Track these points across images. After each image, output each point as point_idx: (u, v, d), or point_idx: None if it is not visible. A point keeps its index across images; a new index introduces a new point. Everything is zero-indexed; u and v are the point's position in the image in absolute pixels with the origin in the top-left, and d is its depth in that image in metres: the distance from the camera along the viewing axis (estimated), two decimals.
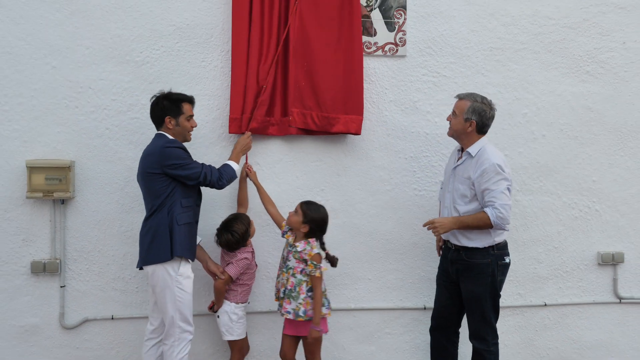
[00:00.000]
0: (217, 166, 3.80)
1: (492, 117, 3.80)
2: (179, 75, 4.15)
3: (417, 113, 4.43)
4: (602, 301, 4.65)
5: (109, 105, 4.07)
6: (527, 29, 4.52)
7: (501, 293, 3.87)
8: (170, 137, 3.69)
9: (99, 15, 4.07)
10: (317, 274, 3.70)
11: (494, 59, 4.50)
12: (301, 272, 3.71)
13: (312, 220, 3.76)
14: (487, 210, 3.63)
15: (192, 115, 3.79)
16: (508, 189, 3.66)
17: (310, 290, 3.69)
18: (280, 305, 3.78)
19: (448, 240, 3.90)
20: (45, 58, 4.02)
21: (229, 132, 4.14)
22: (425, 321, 4.38)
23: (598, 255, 4.61)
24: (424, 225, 3.85)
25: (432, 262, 4.39)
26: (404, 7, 4.35)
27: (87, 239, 4.11)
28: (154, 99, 3.74)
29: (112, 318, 4.07)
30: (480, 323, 3.82)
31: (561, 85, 4.56)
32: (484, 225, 3.64)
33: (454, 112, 3.84)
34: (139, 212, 3.98)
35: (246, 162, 4.07)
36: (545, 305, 4.58)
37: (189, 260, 3.67)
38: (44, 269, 4.02)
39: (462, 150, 3.89)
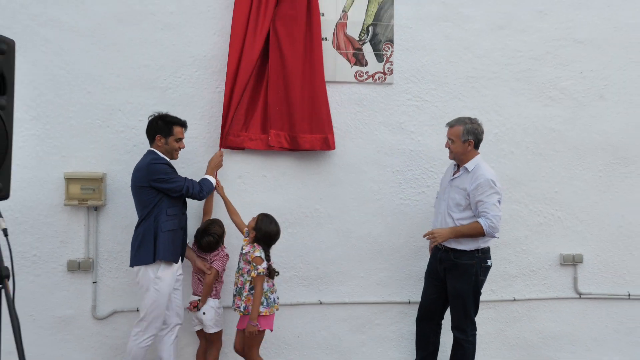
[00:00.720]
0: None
1: (483, 131, 3.91)
2: (197, 99, 4.21)
3: (402, 133, 4.49)
4: (564, 296, 4.71)
5: (136, 126, 4.12)
6: (498, 60, 4.59)
7: None
8: (160, 153, 3.73)
9: (128, 48, 4.14)
10: (253, 274, 3.68)
11: (469, 86, 4.56)
12: (248, 272, 3.72)
13: (259, 229, 3.75)
14: (480, 220, 3.71)
15: (181, 138, 3.81)
16: (499, 201, 3.75)
17: (252, 288, 3.70)
18: (234, 302, 3.81)
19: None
20: (82, 84, 4.08)
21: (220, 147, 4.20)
22: (410, 314, 4.48)
23: (560, 256, 4.68)
24: (424, 236, 3.94)
25: (416, 262, 4.49)
26: (392, 42, 4.44)
27: (117, 240, 4.16)
28: (151, 117, 3.80)
29: (137, 310, 4.05)
30: (461, 316, 3.91)
31: (527, 109, 4.62)
32: (478, 233, 3.73)
33: (450, 140, 3.88)
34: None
35: (215, 177, 4.04)
36: (515, 300, 4.66)
37: (173, 262, 3.70)
38: (79, 267, 4.09)
39: (458, 165, 3.95)
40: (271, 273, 3.79)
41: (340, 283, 4.49)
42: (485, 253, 3.89)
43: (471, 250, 3.83)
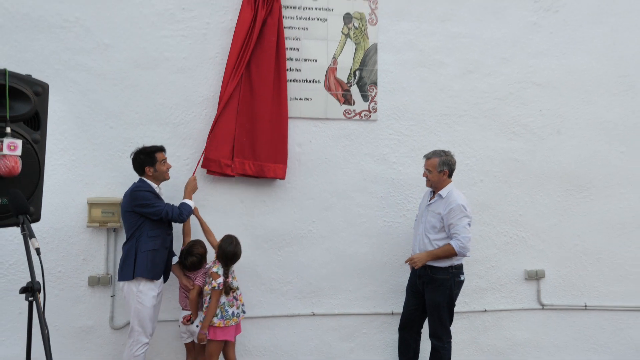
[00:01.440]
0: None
1: (455, 162, 4.03)
2: (205, 134, 4.19)
3: (386, 163, 4.55)
4: (529, 307, 4.74)
5: None
6: (468, 100, 4.69)
7: None
8: (148, 181, 3.75)
9: (146, 88, 4.19)
10: (207, 287, 3.73)
11: (444, 122, 4.65)
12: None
13: (220, 248, 3.78)
14: (451, 242, 3.81)
15: (165, 160, 3.82)
16: (469, 224, 3.85)
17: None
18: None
19: None
20: (105, 120, 4.12)
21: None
22: (393, 323, 4.48)
23: (525, 271, 4.72)
24: (406, 262, 4.03)
25: (398, 277, 4.51)
26: (376, 84, 4.52)
27: None
28: (132, 155, 3.79)
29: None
30: (438, 325, 3.95)
31: (494, 142, 4.71)
32: (450, 254, 3.83)
33: (428, 170, 3.97)
34: (175, 238, 4.01)
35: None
36: (486, 311, 4.69)
37: (153, 279, 3.67)
38: (98, 282, 4.08)
39: (434, 192, 4.04)
40: (227, 289, 3.75)
41: (331, 296, 4.50)
42: (458, 269, 3.95)
43: (446, 267, 3.90)
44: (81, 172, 4.11)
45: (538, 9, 4.85)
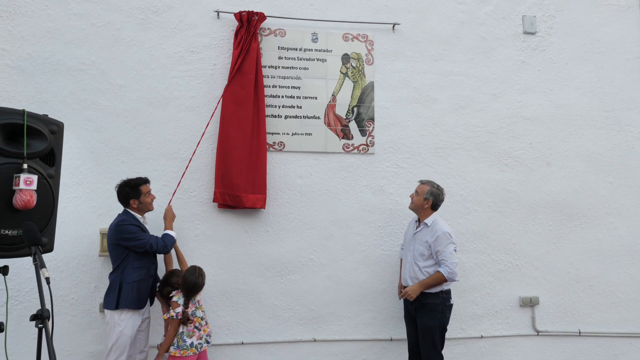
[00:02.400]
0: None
1: (443, 200, 4.08)
2: (211, 168, 4.29)
3: (383, 194, 4.59)
4: (524, 334, 4.71)
5: (161, 189, 4.18)
6: (461, 134, 4.76)
7: (448, 328, 3.99)
8: (133, 212, 3.74)
9: (156, 125, 4.29)
10: (165, 316, 3.70)
11: (438, 155, 4.71)
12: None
13: (183, 277, 3.71)
14: (440, 269, 3.83)
15: (149, 191, 3.81)
16: (455, 250, 3.90)
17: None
18: None
19: (407, 286, 3.98)
20: (117, 155, 4.21)
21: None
22: (392, 350, 4.49)
23: (519, 298, 4.71)
24: (401, 297, 4.02)
25: (397, 304, 4.51)
26: (373, 119, 4.61)
27: None
28: (117, 187, 3.78)
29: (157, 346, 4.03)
30: (431, 349, 3.91)
31: (487, 174, 4.75)
32: (441, 281, 3.85)
33: (416, 192, 4.07)
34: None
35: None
36: (482, 337, 4.65)
37: (137, 309, 3.66)
38: None
39: (419, 221, 4.09)
40: (185, 319, 3.67)
41: (331, 322, 4.50)
42: (447, 294, 3.98)
43: (437, 292, 3.92)
44: (94, 204, 4.18)
45: (526, 48, 4.96)
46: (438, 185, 4.08)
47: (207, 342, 3.80)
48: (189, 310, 3.69)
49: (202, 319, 3.77)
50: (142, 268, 3.73)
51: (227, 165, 4.24)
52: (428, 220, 4.01)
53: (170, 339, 3.66)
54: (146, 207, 3.83)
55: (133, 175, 4.12)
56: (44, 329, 2.18)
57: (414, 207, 4.11)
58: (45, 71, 4.18)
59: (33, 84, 4.16)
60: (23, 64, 4.15)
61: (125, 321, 3.64)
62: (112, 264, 3.78)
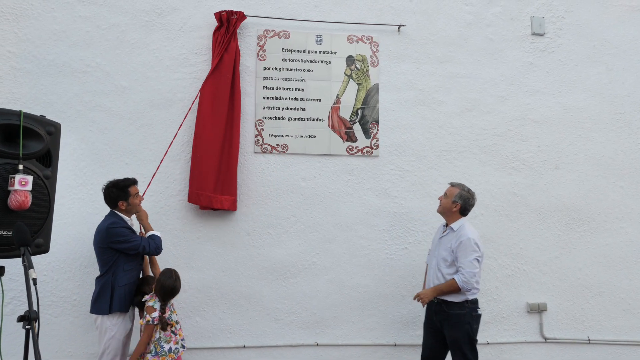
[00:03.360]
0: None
1: (473, 205, 3.87)
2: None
3: (387, 197, 4.53)
4: (532, 340, 4.60)
5: (164, 191, 4.20)
6: (467, 136, 4.68)
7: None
8: (121, 214, 3.65)
9: (159, 127, 4.26)
10: (141, 321, 3.58)
11: (444, 158, 4.63)
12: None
13: (158, 281, 3.59)
14: (455, 276, 3.65)
15: (137, 193, 3.74)
16: (477, 259, 3.66)
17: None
18: None
19: None
20: (121, 157, 4.20)
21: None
22: (396, 355, 4.41)
23: (527, 304, 4.61)
24: (414, 298, 3.85)
25: (400, 309, 4.44)
26: (377, 122, 4.56)
27: None
28: (104, 188, 3.70)
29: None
30: None
31: (493, 177, 4.66)
32: (454, 289, 3.65)
33: (445, 194, 3.87)
34: (185, 269, 4.11)
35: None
36: (488, 343, 4.53)
37: (126, 312, 3.62)
38: None
39: (446, 225, 3.92)
40: (163, 324, 3.54)
41: (334, 327, 4.43)
42: (474, 303, 3.76)
43: (461, 302, 3.71)
44: (97, 205, 4.11)
45: (534, 50, 4.87)
46: (469, 189, 3.89)
47: (183, 346, 3.68)
48: (166, 315, 3.58)
49: (177, 322, 3.66)
50: (133, 270, 3.70)
51: (199, 165, 4.17)
52: (455, 225, 3.82)
53: (143, 345, 3.52)
54: (134, 209, 3.76)
55: (135, 177, 4.07)
56: (31, 331, 2.12)
57: (441, 210, 3.92)
58: (51, 73, 4.19)
59: (38, 86, 4.17)
60: (28, 66, 4.17)
61: (117, 325, 3.60)
62: (100, 268, 3.70)
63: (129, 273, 3.66)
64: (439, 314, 3.79)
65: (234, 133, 4.27)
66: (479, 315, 3.79)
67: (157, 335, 3.54)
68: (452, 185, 3.93)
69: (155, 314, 3.52)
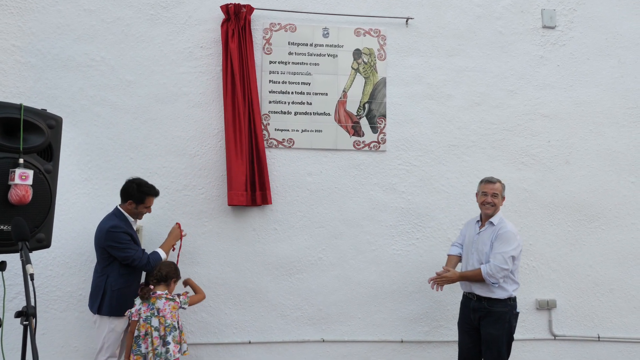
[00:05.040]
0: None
1: None
2: (219, 164, 4.21)
3: (394, 192, 4.44)
4: (541, 338, 4.52)
5: (169, 186, 4.13)
6: (476, 131, 4.57)
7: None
8: (124, 212, 3.59)
9: (165, 121, 4.20)
10: (126, 313, 3.47)
11: (452, 153, 4.53)
12: (171, 316, 3.46)
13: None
14: (482, 266, 3.53)
15: (150, 206, 3.66)
16: (512, 257, 3.52)
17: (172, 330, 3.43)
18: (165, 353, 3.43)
19: (470, 292, 3.72)
20: (126, 152, 4.14)
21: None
22: (402, 352, 4.35)
23: (536, 301, 4.51)
24: (435, 278, 3.70)
25: (407, 305, 4.38)
26: (384, 116, 4.47)
27: None
28: (127, 182, 3.62)
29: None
30: None
31: (503, 172, 4.43)
32: (478, 278, 3.53)
33: (494, 194, 3.66)
34: (190, 264, 4.09)
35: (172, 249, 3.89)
36: None
37: (119, 316, 3.51)
38: None
39: (481, 220, 3.80)
40: (143, 294, 3.44)
41: (340, 323, 4.36)
42: (514, 301, 3.65)
43: (504, 299, 3.58)
44: (103, 200, 4.08)
45: (545, 43, 4.74)
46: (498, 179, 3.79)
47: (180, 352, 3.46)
48: (149, 287, 3.46)
49: (155, 329, 3.39)
50: (130, 275, 3.59)
51: (229, 165, 4.13)
52: (495, 219, 3.67)
53: (129, 340, 3.45)
54: (137, 216, 3.69)
55: (140, 172, 4.09)
56: (28, 327, 2.05)
57: (494, 211, 3.71)
58: (55, 67, 4.13)
59: (43, 80, 4.11)
60: (33, 60, 4.11)
61: (114, 323, 3.56)
62: (97, 264, 3.66)
63: (125, 277, 3.56)
64: (479, 310, 3.64)
65: (257, 127, 4.19)
66: (518, 314, 3.70)
67: (136, 333, 3.40)
68: (492, 182, 3.75)
69: (134, 309, 3.41)
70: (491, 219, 3.71)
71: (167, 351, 3.37)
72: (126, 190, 3.63)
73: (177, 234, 3.86)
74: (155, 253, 3.67)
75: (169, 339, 3.38)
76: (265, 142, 4.34)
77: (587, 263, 4.62)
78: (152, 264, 3.58)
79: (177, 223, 3.94)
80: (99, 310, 3.50)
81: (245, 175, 4.12)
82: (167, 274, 3.52)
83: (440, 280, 3.71)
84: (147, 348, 3.36)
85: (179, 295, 3.57)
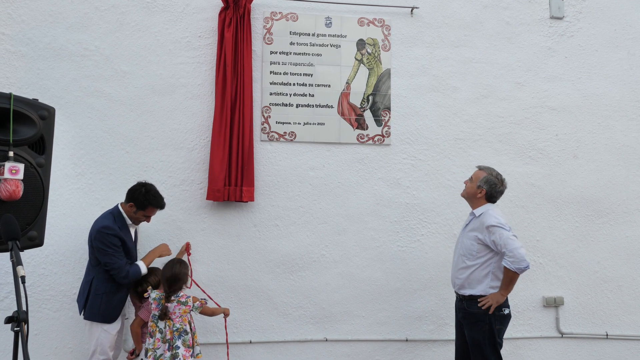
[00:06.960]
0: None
1: (501, 192, 3.50)
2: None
3: (399, 187, 4.34)
4: (548, 336, 4.44)
5: (166, 181, 4.01)
6: (483, 124, 4.47)
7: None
8: (123, 212, 3.48)
9: (162, 114, 4.06)
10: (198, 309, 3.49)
11: (458, 147, 4.43)
12: (180, 316, 3.40)
13: (162, 272, 3.46)
14: (503, 263, 3.27)
15: (151, 216, 3.54)
16: (514, 235, 3.28)
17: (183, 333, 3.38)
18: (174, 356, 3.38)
19: (456, 291, 3.56)
20: (121, 145, 3.99)
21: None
22: (407, 351, 4.25)
23: (543, 299, 4.44)
24: (480, 304, 3.35)
25: (412, 303, 4.28)
26: (389, 109, 4.35)
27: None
28: (137, 184, 3.52)
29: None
30: None
31: (510, 167, 4.43)
32: (514, 276, 3.26)
33: (471, 178, 3.54)
34: (190, 261, 3.92)
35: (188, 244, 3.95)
36: (503, 339, 4.36)
37: (109, 323, 3.41)
38: None
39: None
40: (162, 313, 3.35)
41: (344, 322, 4.25)
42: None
43: (482, 296, 3.35)
44: (97, 195, 3.95)
45: (553, 34, 4.63)
46: (498, 174, 3.50)
47: (192, 356, 3.39)
48: (170, 304, 3.36)
49: (160, 332, 3.34)
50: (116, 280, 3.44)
51: (211, 158, 3.99)
52: (477, 210, 3.44)
53: (136, 339, 3.49)
54: (135, 221, 3.56)
55: (136, 166, 4.04)
56: (20, 333, 1.90)
57: (465, 195, 3.56)
58: (47, 57, 3.96)
59: (34, 70, 3.94)
60: (24, 49, 3.94)
61: (105, 326, 3.44)
62: (89, 262, 3.54)
63: (110, 282, 3.41)
64: (460, 310, 3.52)
65: (245, 121, 4.01)
66: (506, 316, 3.37)
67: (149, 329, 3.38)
68: (480, 168, 3.58)
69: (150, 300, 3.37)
70: (474, 210, 3.51)
71: (175, 356, 3.29)
72: (133, 191, 3.49)
73: (162, 249, 3.72)
74: (135, 266, 3.49)
75: (179, 342, 3.31)
76: (266, 136, 4.19)
77: (595, 259, 4.53)
78: (131, 278, 3.42)
79: (187, 242, 3.95)
80: (84, 313, 3.41)
81: (226, 170, 3.97)
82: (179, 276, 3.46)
83: (488, 305, 3.36)
84: (152, 345, 3.34)
85: (194, 299, 3.49)
